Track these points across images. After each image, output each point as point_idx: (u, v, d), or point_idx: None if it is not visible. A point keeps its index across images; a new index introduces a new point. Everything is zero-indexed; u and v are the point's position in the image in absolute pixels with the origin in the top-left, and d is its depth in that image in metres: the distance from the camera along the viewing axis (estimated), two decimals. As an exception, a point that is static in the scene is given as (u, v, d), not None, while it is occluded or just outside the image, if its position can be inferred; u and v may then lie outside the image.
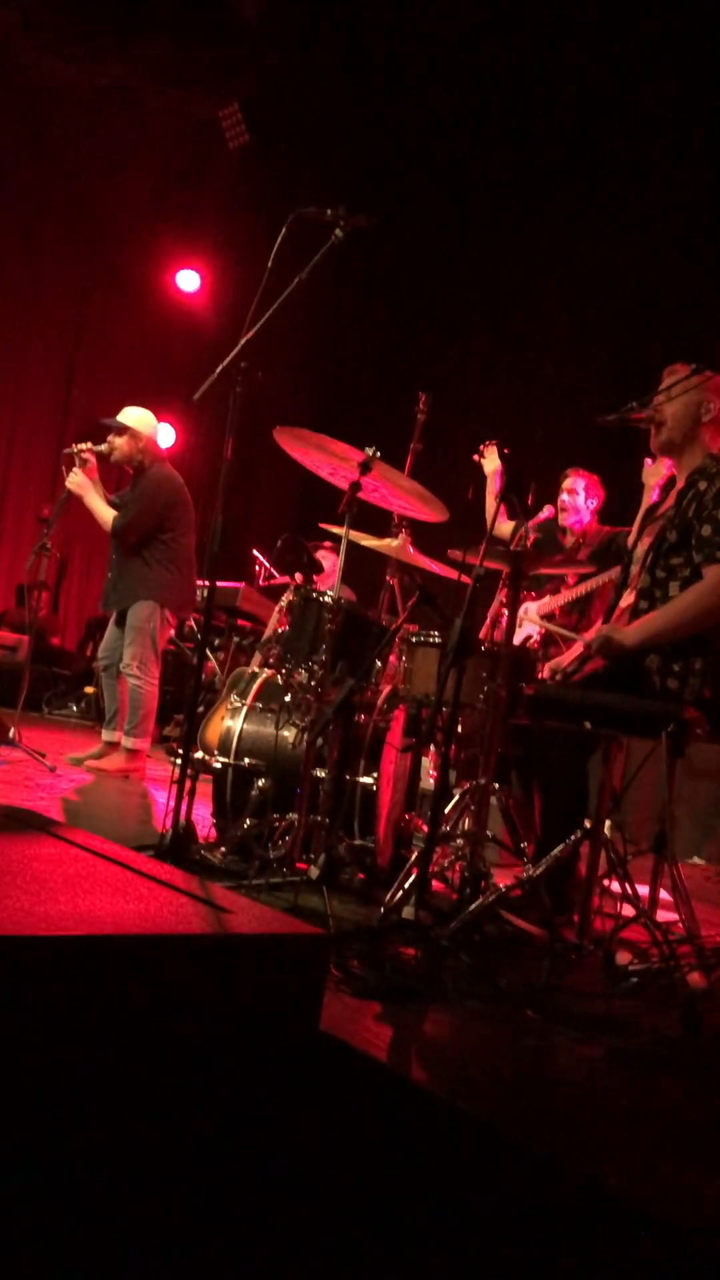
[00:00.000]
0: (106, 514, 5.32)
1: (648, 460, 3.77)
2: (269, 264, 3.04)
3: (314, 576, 6.23)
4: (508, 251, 8.24)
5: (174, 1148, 1.56)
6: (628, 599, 3.21)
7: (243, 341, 3.03)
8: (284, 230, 3.01)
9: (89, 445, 5.36)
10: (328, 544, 6.33)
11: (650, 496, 3.74)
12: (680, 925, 2.72)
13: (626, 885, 2.79)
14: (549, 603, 4.72)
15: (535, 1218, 1.48)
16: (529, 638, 4.60)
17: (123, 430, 5.40)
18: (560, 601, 4.70)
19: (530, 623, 4.43)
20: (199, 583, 5.66)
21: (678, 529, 2.98)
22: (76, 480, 5.31)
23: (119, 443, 5.41)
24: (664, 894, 3.21)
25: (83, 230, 9.94)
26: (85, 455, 5.33)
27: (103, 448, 5.39)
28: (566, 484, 4.97)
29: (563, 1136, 1.65)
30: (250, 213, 9.92)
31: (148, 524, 5.31)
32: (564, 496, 4.94)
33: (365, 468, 3.21)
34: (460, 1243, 1.54)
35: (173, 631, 5.72)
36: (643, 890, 2.92)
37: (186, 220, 10.32)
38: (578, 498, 4.96)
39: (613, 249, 7.40)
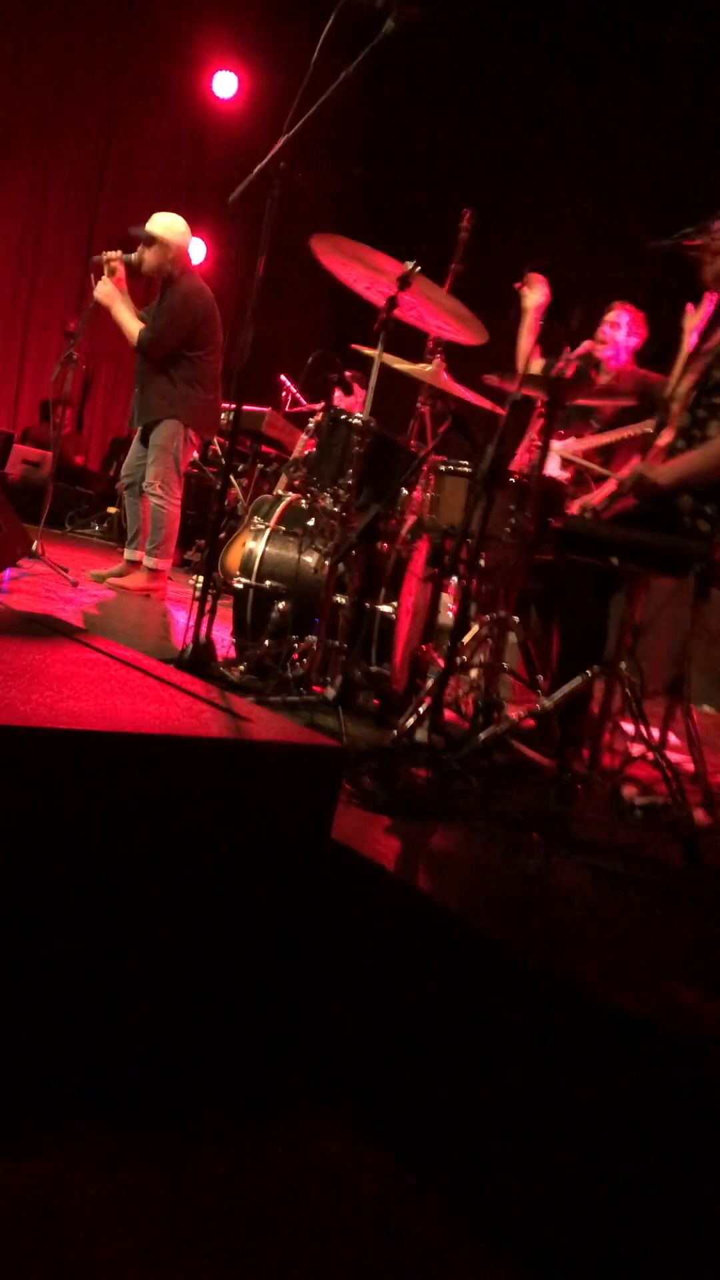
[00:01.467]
0: (133, 326, 5.17)
1: (689, 305, 3.60)
2: (314, 57, 2.85)
3: (341, 397, 6.08)
4: (563, 62, 7.72)
5: (187, 944, 1.63)
6: (665, 437, 3.13)
7: (283, 139, 2.87)
8: (332, 17, 2.80)
9: (118, 253, 5.17)
10: (355, 373, 6.17)
11: (689, 341, 3.60)
12: (689, 765, 2.76)
13: (640, 725, 2.82)
14: (574, 444, 4.60)
15: (533, 1029, 1.54)
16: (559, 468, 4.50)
17: (151, 240, 5.20)
18: (585, 446, 4.58)
19: (560, 455, 4.32)
20: (224, 405, 5.55)
21: None
22: (105, 289, 5.14)
23: (148, 254, 5.21)
24: (673, 738, 3.25)
25: (115, 31, 9.37)
26: (114, 264, 5.15)
27: (132, 256, 5.20)
28: (610, 316, 4.75)
29: (563, 952, 1.71)
30: (290, 12, 9.28)
31: (175, 338, 5.17)
32: (605, 329, 4.74)
33: (405, 282, 3.09)
34: (458, 1050, 1.62)
35: (196, 453, 5.64)
36: (654, 733, 2.95)
37: (224, 20, 9.69)
38: (619, 331, 4.74)
39: (671, 67, 6.93)
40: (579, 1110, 1.44)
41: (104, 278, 5.15)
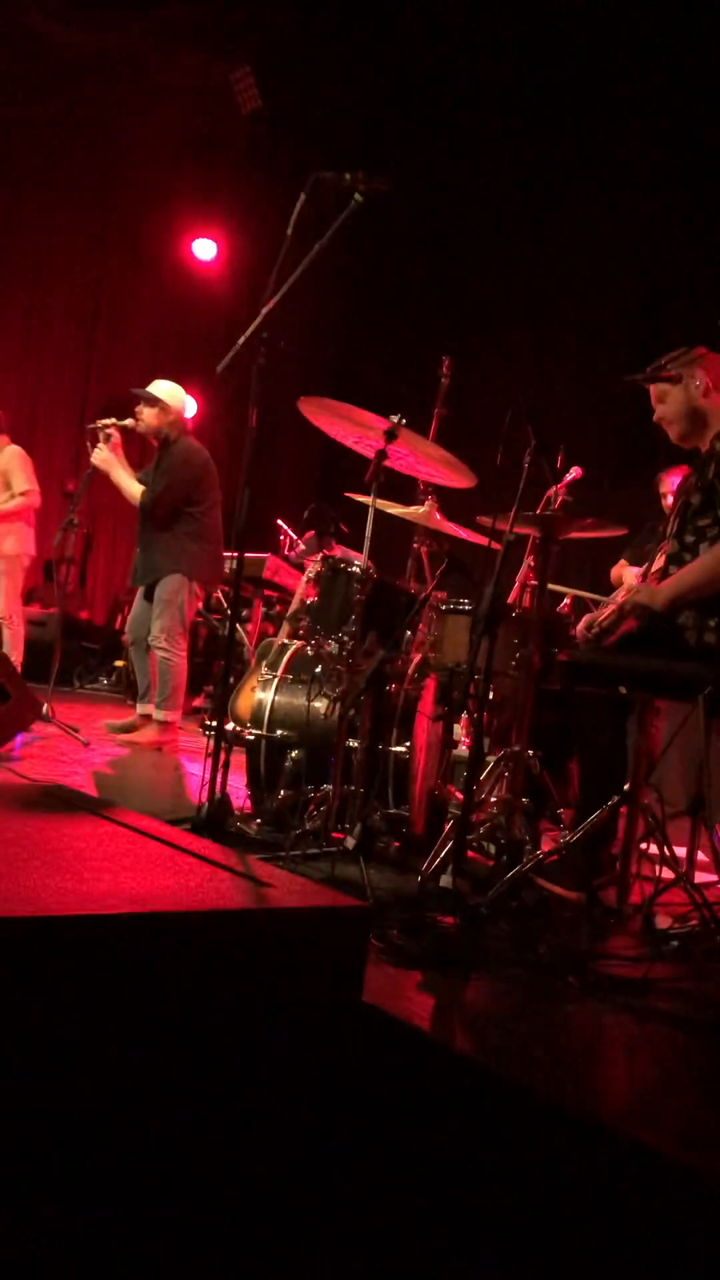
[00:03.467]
0: (134, 489, 5.32)
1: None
2: (289, 230, 3.00)
3: (334, 544, 6.21)
4: (526, 213, 8.11)
5: (221, 1125, 1.58)
6: (658, 563, 3.18)
7: (265, 311, 3.00)
8: (303, 194, 2.96)
9: (113, 421, 5.35)
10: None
11: (666, 504, 3.73)
12: (719, 888, 2.71)
13: (665, 849, 2.78)
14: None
15: (581, 1185, 1.48)
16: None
17: (153, 401, 5.40)
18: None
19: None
20: (225, 554, 5.67)
21: (701, 492, 2.96)
22: (102, 456, 5.31)
23: (147, 414, 5.41)
24: (701, 856, 3.20)
25: (99, 200, 9.88)
26: (110, 431, 5.33)
27: (128, 422, 5.39)
28: (669, 486, 4.99)
29: (608, 1103, 1.65)
30: (264, 178, 9.82)
31: (177, 497, 5.31)
32: (668, 498, 4.98)
33: (391, 435, 3.18)
34: (506, 1211, 1.55)
35: (200, 604, 5.73)
36: (680, 854, 2.91)
37: (201, 188, 10.25)
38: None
39: (635, 211, 7.27)
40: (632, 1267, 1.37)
41: (100, 444, 5.31)
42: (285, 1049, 1.67)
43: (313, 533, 6.62)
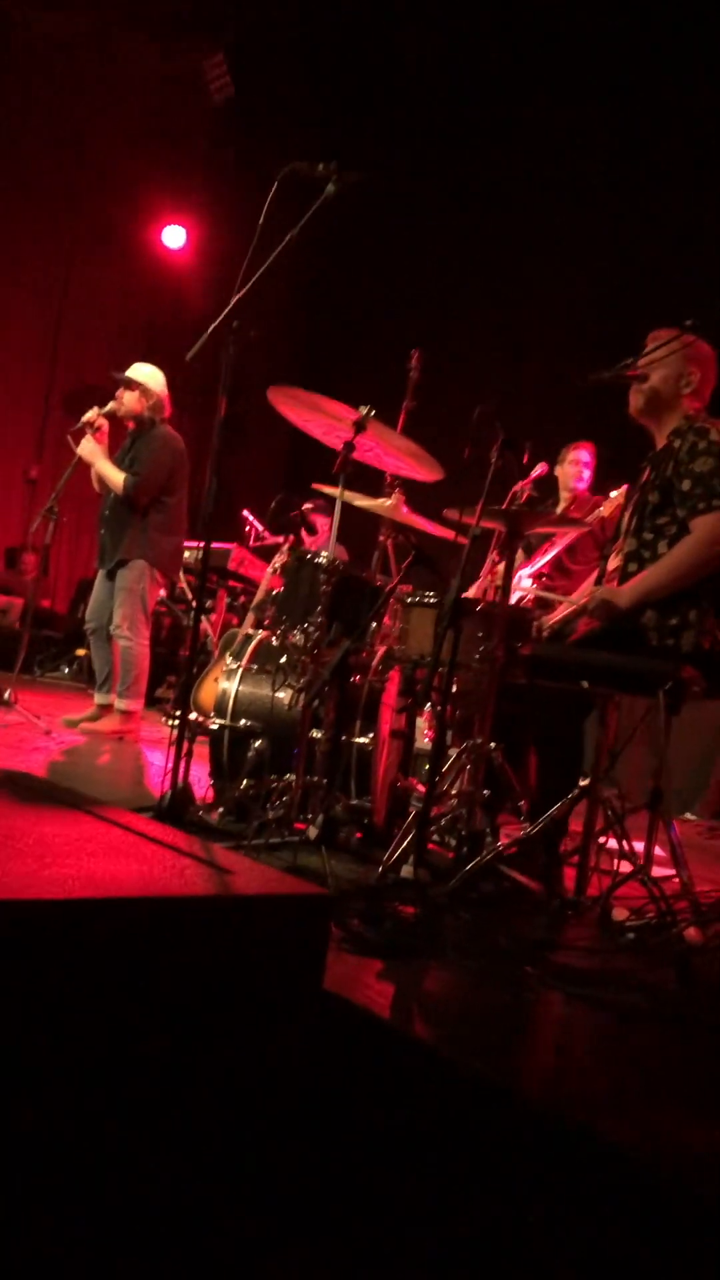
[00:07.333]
0: (116, 476, 5.29)
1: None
2: (260, 220, 3.00)
3: (305, 537, 6.22)
4: (498, 206, 8.14)
5: (178, 1110, 1.58)
6: (614, 561, 3.22)
7: (235, 300, 3.00)
8: (275, 185, 2.96)
9: (97, 411, 5.32)
10: (319, 501, 6.31)
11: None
12: (676, 881, 2.75)
13: (623, 842, 2.82)
14: (539, 564, 4.75)
15: (533, 1170, 1.50)
16: (521, 598, 4.62)
17: (133, 385, 5.37)
18: (546, 558, 4.74)
19: (519, 591, 4.46)
20: (190, 544, 5.65)
21: (658, 489, 2.99)
22: (89, 447, 5.29)
23: (128, 398, 5.38)
24: (658, 851, 3.24)
25: (66, 185, 9.77)
26: (99, 422, 5.30)
27: (110, 406, 5.37)
28: (578, 456, 5.05)
29: (561, 1090, 1.68)
30: (236, 167, 9.77)
31: (159, 483, 5.31)
32: (582, 469, 5.04)
33: (360, 427, 3.19)
34: (459, 1197, 1.57)
35: (163, 592, 5.71)
36: (638, 847, 2.95)
37: (172, 175, 10.17)
38: (589, 470, 5.10)
39: (605, 206, 7.32)
40: (588, 1253, 1.40)
41: (88, 436, 5.28)
42: (246, 1034, 1.68)
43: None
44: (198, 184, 10.25)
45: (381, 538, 3.88)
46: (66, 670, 8.15)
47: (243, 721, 3.56)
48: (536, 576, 4.70)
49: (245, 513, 7.41)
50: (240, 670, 3.66)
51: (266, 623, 3.60)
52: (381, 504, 3.63)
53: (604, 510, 4.45)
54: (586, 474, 5.14)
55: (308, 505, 6.13)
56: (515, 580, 4.56)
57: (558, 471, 5.10)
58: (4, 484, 9.83)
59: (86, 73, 9.45)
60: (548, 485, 5.02)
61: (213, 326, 3.02)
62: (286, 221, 3.05)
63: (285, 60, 9.44)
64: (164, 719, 6.57)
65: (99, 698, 5.43)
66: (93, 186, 9.82)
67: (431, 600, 3.22)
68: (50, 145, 9.63)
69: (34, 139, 9.57)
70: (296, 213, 3.04)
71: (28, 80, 9.34)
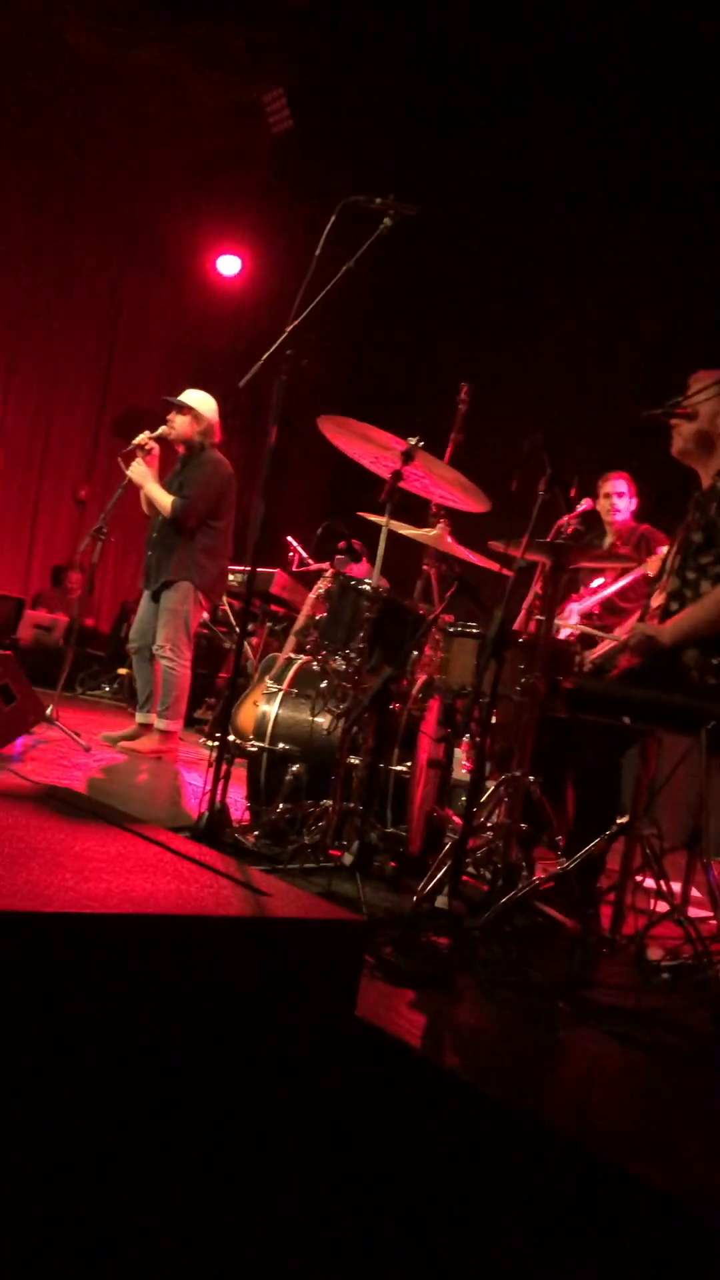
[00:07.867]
0: (165, 499, 5.35)
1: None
2: (317, 251, 3.04)
3: (349, 565, 6.25)
4: (551, 241, 8.18)
5: (210, 1130, 1.58)
6: (658, 599, 3.20)
7: (289, 328, 3.04)
8: (334, 217, 3.00)
9: (148, 435, 5.39)
10: (360, 545, 6.35)
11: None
12: (713, 923, 2.72)
13: (661, 881, 2.79)
14: (590, 603, 4.74)
15: (563, 1204, 1.49)
16: (565, 632, 4.61)
17: (185, 409, 5.44)
18: (598, 598, 4.72)
19: (566, 627, 4.45)
20: (234, 568, 5.70)
21: (703, 529, 2.98)
22: (140, 470, 5.36)
23: (179, 422, 5.45)
24: (695, 893, 3.20)
25: (123, 213, 9.93)
26: (150, 445, 5.38)
27: (161, 430, 5.44)
28: (613, 488, 5.04)
29: (592, 1126, 1.66)
30: (291, 198, 9.89)
31: (207, 507, 5.37)
32: (615, 501, 5.03)
33: (408, 457, 3.21)
34: (487, 1227, 1.56)
35: (206, 615, 5.75)
36: (674, 887, 2.92)
37: (228, 205, 10.31)
38: (624, 499, 5.07)
39: (660, 241, 7.33)
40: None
41: (138, 459, 5.36)
42: (278, 1056, 1.68)
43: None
44: (253, 214, 10.39)
45: (425, 566, 3.89)
46: (108, 688, 8.21)
47: (281, 745, 3.58)
48: (586, 615, 4.70)
49: (288, 538, 7.46)
50: (280, 694, 3.68)
51: (308, 647, 3.61)
52: (427, 533, 3.64)
53: (649, 568, 4.41)
54: (621, 504, 5.13)
55: (355, 542, 6.17)
56: (565, 615, 4.56)
57: (597, 506, 5.10)
58: (54, 503, 9.97)
59: (145, 103, 9.63)
60: (594, 520, 5.02)
61: (268, 354, 3.06)
62: (338, 252, 3.09)
63: (344, 94, 9.57)
64: (201, 740, 6.60)
65: (139, 717, 5.47)
66: (149, 214, 9.99)
67: (474, 630, 3.22)
68: (108, 174, 9.82)
69: (93, 168, 9.77)
70: (348, 244, 3.09)
71: (87, 109, 9.54)
